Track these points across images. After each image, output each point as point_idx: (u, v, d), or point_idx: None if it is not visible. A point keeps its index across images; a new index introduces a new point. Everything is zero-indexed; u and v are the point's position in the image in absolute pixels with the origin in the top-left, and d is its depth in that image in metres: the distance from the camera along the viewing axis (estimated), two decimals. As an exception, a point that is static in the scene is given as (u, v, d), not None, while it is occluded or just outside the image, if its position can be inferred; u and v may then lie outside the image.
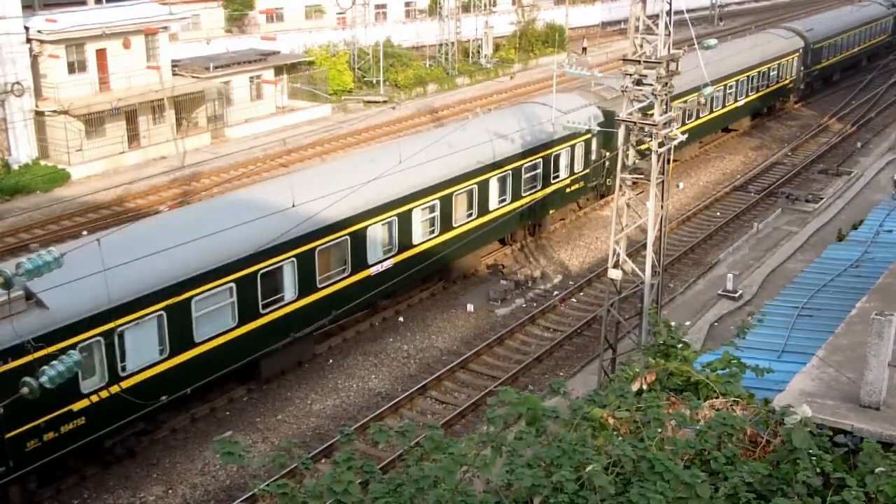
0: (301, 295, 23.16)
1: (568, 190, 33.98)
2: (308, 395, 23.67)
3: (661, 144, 20.91)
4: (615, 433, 8.74)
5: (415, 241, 26.83)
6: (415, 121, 50.68)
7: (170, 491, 19.85)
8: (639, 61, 20.56)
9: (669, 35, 20.22)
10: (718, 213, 37.86)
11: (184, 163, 42.19)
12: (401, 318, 27.88)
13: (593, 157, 35.03)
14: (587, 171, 34.57)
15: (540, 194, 32.10)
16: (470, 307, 28.78)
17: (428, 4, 71.99)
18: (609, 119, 33.91)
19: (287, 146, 44.76)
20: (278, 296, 22.64)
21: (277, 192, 23.42)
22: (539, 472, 7.25)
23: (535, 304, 29.26)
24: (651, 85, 20.65)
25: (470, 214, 29.00)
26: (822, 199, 37.56)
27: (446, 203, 27.80)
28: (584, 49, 70.87)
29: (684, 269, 32.05)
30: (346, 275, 24.53)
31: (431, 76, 60.09)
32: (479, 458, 7.40)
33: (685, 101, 35.63)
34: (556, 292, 30.14)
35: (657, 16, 20.07)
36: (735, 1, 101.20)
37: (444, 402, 23.58)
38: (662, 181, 21.54)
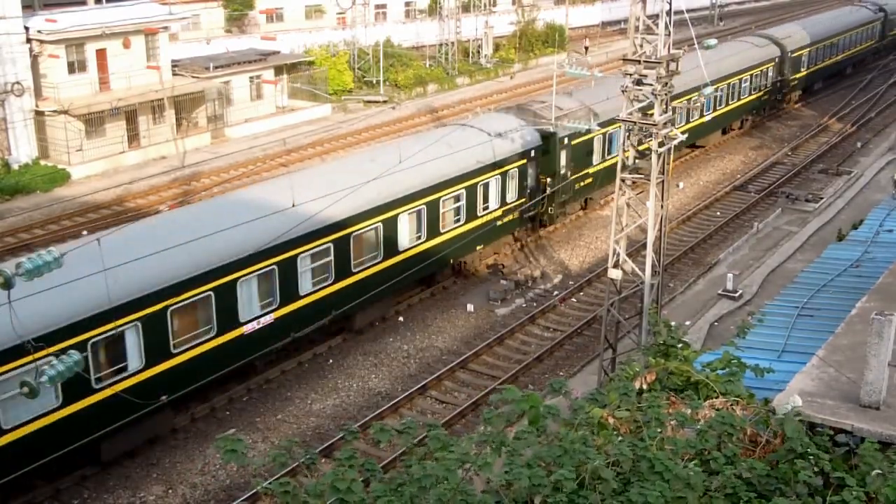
0: (150, 363, 19.53)
1: (499, 223, 30.42)
2: (308, 395, 23.68)
3: (661, 144, 20.92)
4: (615, 433, 8.75)
5: (302, 291, 23.11)
6: (415, 121, 50.71)
7: (170, 491, 19.85)
8: (639, 61, 20.57)
9: (669, 35, 20.23)
10: (718, 213, 37.87)
11: (184, 163, 42.21)
12: (401, 318, 27.89)
13: (530, 184, 31.66)
14: (523, 200, 31.27)
15: (463, 229, 28.55)
16: (470, 307, 28.79)
17: (428, 4, 71.99)
18: (548, 141, 31.86)
19: (287, 146, 44.80)
20: (120, 366, 19.03)
21: (145, 238, 20.22)
22: (539, 472, 7.26)
23: (535, 304, 29.27)
24: (651, 85, 20.66)
25: (375, 256, 25.37)
26: (822, 198, 37.57)
27: (343, 245, 24.06)
28: (587, 48, 70.97)
29: (684, 268, 32.07)
30: (211, 336, 20.88)
31: (431, 76, 60.10)
32: (480, 457, 7.42)
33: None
34: (556, 292, 30.14)
35: (657, 16, 20.08)
36: (735, 1, 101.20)
37: (444, 402, 23.59)
38: (662, 181, 21.55)
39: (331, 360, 25.39)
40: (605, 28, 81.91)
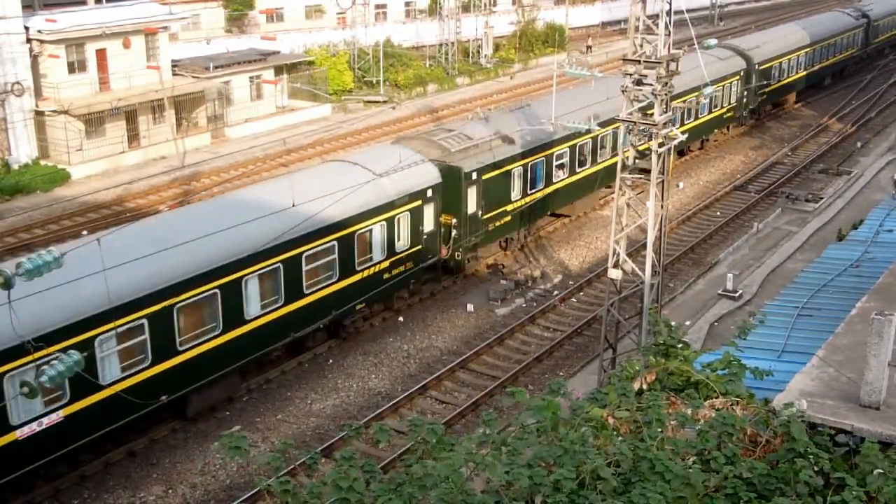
0: None
1: (386, 275, 26.14)
2: (308, 395, 23.69)
3: (661, 144, 20.93)
4: (615, 433, 8.75)
5: (104, 379, 18.64)
6: (415, 121, 50.72)
7: (170, 491, 19.86)
8: (639, 61, 20.58)
9: (669, 35, 20.24)
10: (718, 213, 37.88)
11: (184, 163, 42.21)
12: (401, 318, 27.89)
13: (427, 228, 27.38)
14: (418, 247, 27.07)
15: (336, 287, 24.35)
16: (470, 307, 28.79)
17: (428, 4, 71.99)
18: (449, 177, 27.94)
19: (287, 146, 44.81)
20: None
21: None
22: (539, 472, 7.26)
23: (535, 304, 29.28)
24: (651, 85, 20.67)
25: (213, 328, 21.10)
26: (822, 198, 37.58)
27: (163, 319, 19.71)
28: (589, 47, 71.06)
29: (684, 268, 32.07)
30: None
31: (431, 76, 60.10)
32: (484, 457, 7.42)
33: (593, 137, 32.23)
34: (556, 292, 30.15)
35: (657, 16, 20.09)
36: (735, 1, 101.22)
37: (444, 402, 23.60)
38: (662, 181, 21.55)
39: (331, 360, 25.40)
40: (605, 28, 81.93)
